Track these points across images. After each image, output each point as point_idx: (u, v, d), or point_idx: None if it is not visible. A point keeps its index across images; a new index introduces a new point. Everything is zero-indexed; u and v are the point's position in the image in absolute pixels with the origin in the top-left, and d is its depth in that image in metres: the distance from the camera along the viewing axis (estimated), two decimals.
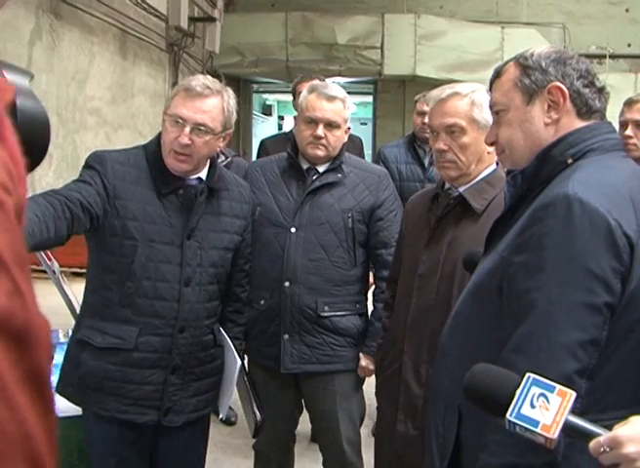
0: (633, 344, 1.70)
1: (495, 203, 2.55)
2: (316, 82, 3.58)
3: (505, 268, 1.77)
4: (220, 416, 3.13)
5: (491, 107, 2.02)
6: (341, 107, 3.16)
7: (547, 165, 1.84)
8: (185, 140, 2.58)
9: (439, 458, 1.98)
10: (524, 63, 1.92)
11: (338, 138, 3.17)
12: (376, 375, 2.90)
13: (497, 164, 2.67)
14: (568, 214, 1.65)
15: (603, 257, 1.63)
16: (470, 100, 2.57)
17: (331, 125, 3.13)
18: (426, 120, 3.20)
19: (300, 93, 4.64)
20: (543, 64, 1.90)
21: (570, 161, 1.81)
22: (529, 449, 1.53)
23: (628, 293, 1.65)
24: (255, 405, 3.18)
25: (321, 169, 3.20)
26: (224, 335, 2.90)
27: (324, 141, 3.13)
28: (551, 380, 1.34)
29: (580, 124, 1.87)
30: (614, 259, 1.63)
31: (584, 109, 1.88)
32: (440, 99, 2.60)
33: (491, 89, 2.02)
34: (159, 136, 2.73)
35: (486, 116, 2.53)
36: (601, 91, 1.92)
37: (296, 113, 4.73)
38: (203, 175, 2.75)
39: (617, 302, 1.64)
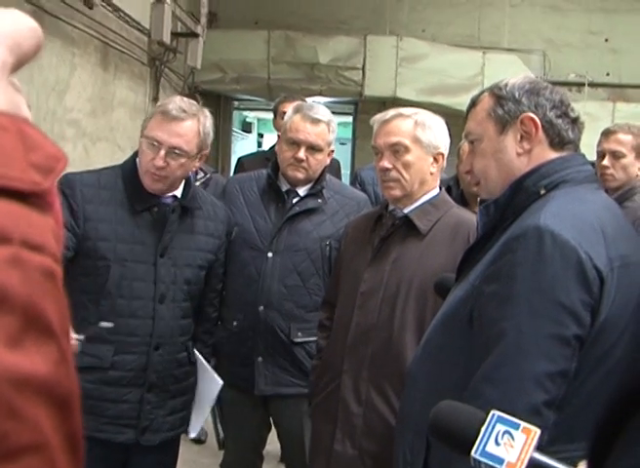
0: (602, 376, 1.70)
1: (439, 224, 2.59)
2: (302, 102, 3.55)
3: (476, 297, 1.77)
4: (192, 435, 3.11)
5: (466, 136, 2.03)
6: (325, 131, 3.13)
7: (520, 195, 1.84)
8: (160, 163, 2.59)
9: None
10: (498, 94, 1.93)
11: (319, 162, 3.15)
12: (310, 396, 2.86)
13: (440, 188, 2.70)
14: (539, 246, 1.66)
15: (573, 290, 1.63)
16: (414, 121, 2.59)
17: (313, 148, 3.10)
18: None
19: (281, 112, 4.65)
20: (517, 95, 1.91)
21: (542, 192, 1.82)
22: None
23: (598, 326, 1.66)
24: (218, 422, 3.17)
25: (301, 192, 3.18)
26: (198, 355, 2.89)
27: (305, 164, 3.10)
28: (516, 416, 1.34)
29: (552, 155, 1.88)
30: (584, 292, 1.63)
31: (557, 140, 1.89)
32: (384, 121, 2.63)
33: (467, 118, 2.03)
34: (135, 155, 2.74)
35: (429, 136, 2.58)
36: (575, 121, 1.93)
37: (275, 132, 4.75)
38: (178, 192, 2.76)
39: (586, 335, 1.65)
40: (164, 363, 2.72)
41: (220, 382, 2.87)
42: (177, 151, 2.61)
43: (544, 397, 1.62)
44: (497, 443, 1.30)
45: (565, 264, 1.64)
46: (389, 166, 2.58)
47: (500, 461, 1.29)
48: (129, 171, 2.72)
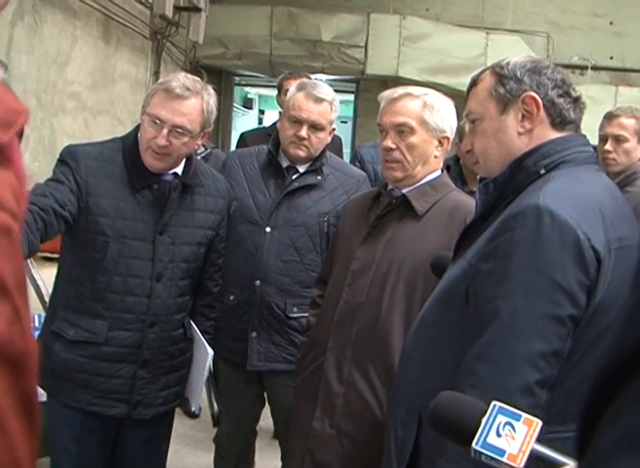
0: (595, 358, 1.71)
1: (437, 207, 2.55)
2: (305, 80, 3.52)
3: (473, 275, 1.77)
4: (193, 409, 3.11)
5: (467, 115, 2.02)
6: (328, 109, 3.12)
7: (520, 174, 1.84)
8: (163, 142, 2.56)
9: (397, 462, 1.98)
10: (499, 72, 1.92)
11: (320, 140, 3.14)
12: (296, 373, 2.83)
13: (442, 170, 2.67)
14: (537, 225, 1.65)
15: (570, 270, 1.63)
16: (422, 102, 2.55)
17: (315, 127, 3.10)
18: None
19: (285, 89, 4.62)
20: (518, 74, 1.90)
21: (543, 171, 1.82)
22: None
23: (593, 307, 1.66)
24: (214, 397, 3.18)
25: (301, 169, 3.18)
26: (195, 328, 2.90)
27: (306, 143, 3.10)
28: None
29: (553, 134, 1.87)
30: (580, 272, 1.63)
31: (559, 119, 1.88)
32: (392, 99, 2.58)
33: (467, 97, 2.02)
34: (137, 130, 2.69)
35: (436, 119, 2.54)
36: (576, 101, 1.92)
37: (278, 108, 4.73)
38: (179, 170, 2.73)
39: (581, 315, 1.65)
40: (159, 340, 2.72)
41: (211, 352, 2.86)
42: (179, 130, 2.57)
43: (537, 376, 1.62)
44: (498, 434, 1.28)
45: (563, 244, 1.63)
46: (393, 146, 2.55)
47: (502, 453, 1.27)
48: (130, 146, 2.68)
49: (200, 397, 3.03)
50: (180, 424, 4.49)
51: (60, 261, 2.77)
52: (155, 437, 2.91)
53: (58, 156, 2.67)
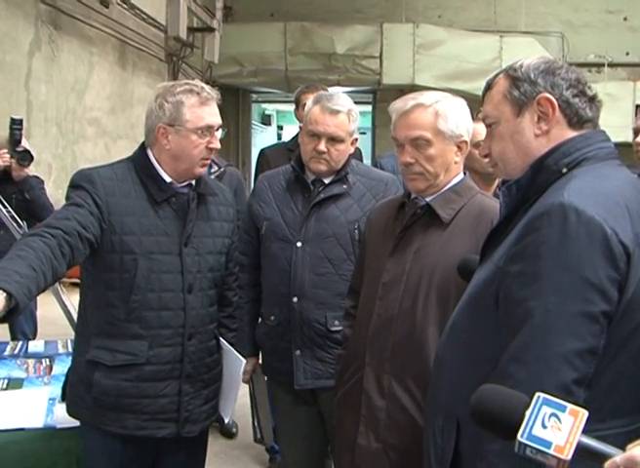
0: (631, 352, 1.69)
1: (462, 212, 2.52)
2: (322, 92, 3.48)
3: (501, 278, 1.76)
4: (227, 420, 3.10)
5: (483, 120, 2.01)
6: (345, 121, 3.08)
7: (542, 174, 1.83)
8: (218, 145, 2.74)
9: None
10: (513, 75, 1.92)
11: (341, 152, 3.11)
12: (336, 387, 2.79)
13: (464, 173, 2.64)
14: (564, 223, 1.64)
15: (599, 266, 1.62)
16: (434, 111, 2.49)
17: (334, 139, 3.06)
18: None
19: (303, 103, 4.62)
20: (532, 75, 1.89)
21: (564, 170, 1.81)
22: (527, 460, 1.52)
23: (625, 302, 1.65)
24: (269, 422, 3.16)
25: (327, 181, 3.16)
26: (222, 339, 2.91)
27: (326, 156, 3.07)
28: (558, 397, 1.31)
29: (571, 134, 1.87)
30: (610, 268, 1.62)
31: (575, 119, 1.87)
32: (404, 112, 2.53)
33: (483, 101, 2.01)
34: (143, 148, 2.75)
35: (451, 126, 2.50)
36: (592, 100, 1.91)
37: (297, 123, 4.73)
38: (192, 180, 2.77)
39: (614, 310, 1.64)
40: (197, 352, 2.73)
41: (243, 360, 2.87)
42: (217, 131, 2.75)
43: (574, 375, 1.61)
44: (543, 426, 1.27)
45: (591, 241, 1.62)
46: (412, 160, 2.51)
47: (548, 445, 1.26)
48: (143, 163, 2.71)
49: (232, 408, 3.02)
50: (216, 442, 4.51)
51: (84, 288, 2.75)
52: (194, 454, 2.91)
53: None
